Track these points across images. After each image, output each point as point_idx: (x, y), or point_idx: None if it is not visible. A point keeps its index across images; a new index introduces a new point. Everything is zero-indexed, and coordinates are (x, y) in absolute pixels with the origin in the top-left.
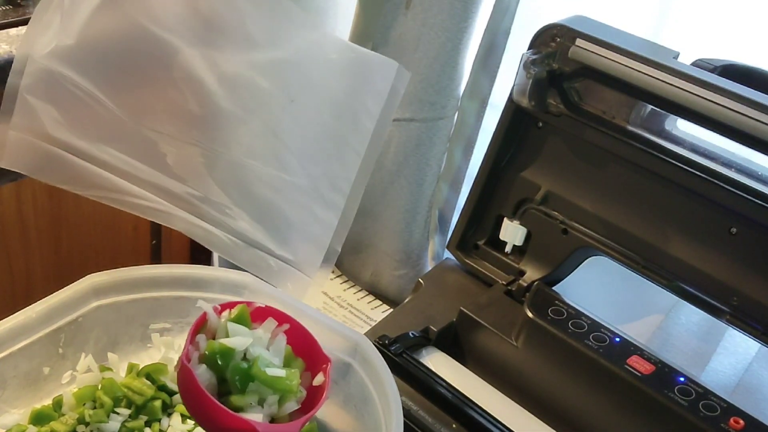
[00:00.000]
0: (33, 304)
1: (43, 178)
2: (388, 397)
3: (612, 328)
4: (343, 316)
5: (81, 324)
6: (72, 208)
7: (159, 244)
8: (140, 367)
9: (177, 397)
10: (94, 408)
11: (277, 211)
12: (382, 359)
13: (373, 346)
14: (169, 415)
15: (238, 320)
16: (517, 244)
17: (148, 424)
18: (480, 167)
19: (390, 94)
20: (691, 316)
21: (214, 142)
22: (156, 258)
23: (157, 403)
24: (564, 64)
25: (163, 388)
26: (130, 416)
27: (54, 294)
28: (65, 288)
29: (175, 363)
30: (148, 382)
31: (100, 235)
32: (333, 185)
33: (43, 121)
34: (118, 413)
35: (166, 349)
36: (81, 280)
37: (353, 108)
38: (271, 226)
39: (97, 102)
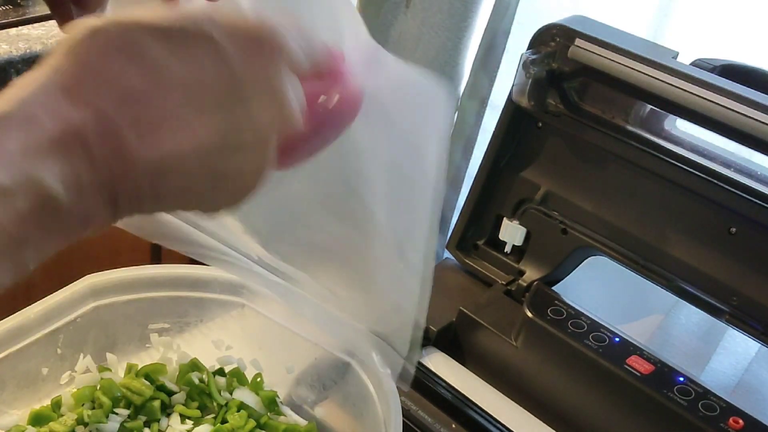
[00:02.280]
0: (31, 305)
1: (134, 231)
2: (388, 396)
3: (611, 328)
4: None
5: (79, 324)
6: None
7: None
8: (139, 368)
9: (176, 397)
10: (93, 408)
11: (364, 272)
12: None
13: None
14: (168, 415)
15: None
16: (516, 244)
17: (147, 424)
18: (479, 167)
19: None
20: (691, 316)
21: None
22: (156, 258)
23: (156, 404)
24: (563, 64)
25: (161, 388)
26: (129, 416)
27: (52, 295)
28: (63, 289)
29: (175, 362)
30: (147, 383)
31: (100, 234)
32: (412, 243)
33: None
34: (116, 413)
35: (164, 349)
36: (79, 280)
37: (418, 146)
38: (359, 288)
39: None
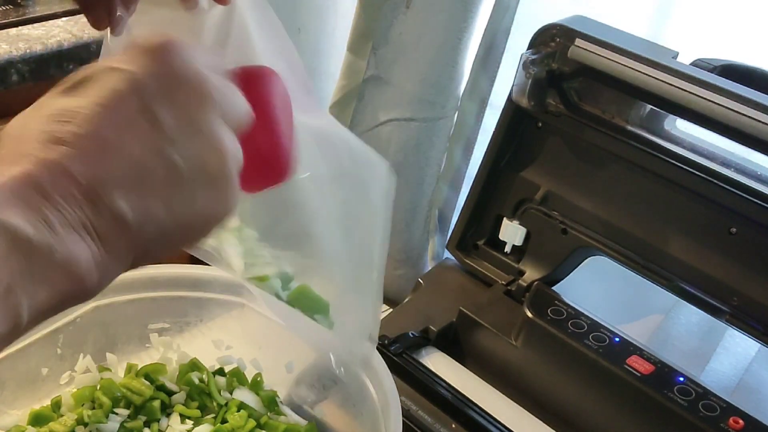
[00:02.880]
0: None
1: None
2: (387, 397)
3: (612, 328)
4: None
5: (79, 324)
6: None
7: None
8: (139, 367)
9: (176, 397)
10: (93, 408)
11: None
12: (382, 359)
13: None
14: (168, 415)
15: None
16: (516, 244)
17: (146, 424)
18: (480, 167)
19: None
20: (691, 316)
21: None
22: None
23: (156, 404)
24: (563, 64)
25: (161, 388)
26: (128, 416)
27: None
28: None
29: (175, 362)
30: (147, 383)
31: None
32: (364, 270)
33: None
34: (116, 413)
35: (164, 349)
36: None
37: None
38: None
39: None
